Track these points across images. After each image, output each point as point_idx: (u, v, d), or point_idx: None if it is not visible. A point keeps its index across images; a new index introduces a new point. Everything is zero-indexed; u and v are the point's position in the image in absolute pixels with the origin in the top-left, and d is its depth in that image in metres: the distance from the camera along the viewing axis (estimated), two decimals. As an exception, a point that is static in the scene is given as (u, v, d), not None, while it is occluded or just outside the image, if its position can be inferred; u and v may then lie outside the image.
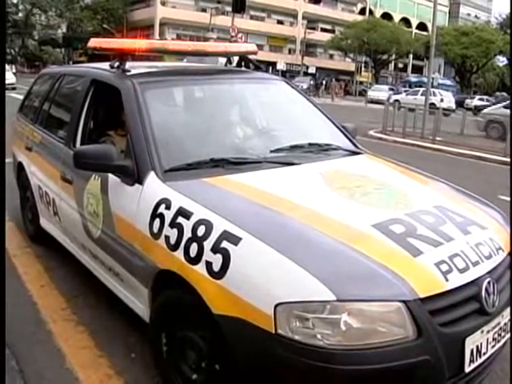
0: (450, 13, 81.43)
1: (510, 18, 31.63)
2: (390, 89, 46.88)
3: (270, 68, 46.43)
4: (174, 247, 2.48)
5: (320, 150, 3.49)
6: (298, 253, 2.19)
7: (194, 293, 2.34)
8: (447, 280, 2.22)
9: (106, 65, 3.78)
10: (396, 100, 30.38)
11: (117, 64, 3.53)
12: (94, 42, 3.57)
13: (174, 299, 2.60)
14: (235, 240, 2.27)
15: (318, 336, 2.03)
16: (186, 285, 2.39)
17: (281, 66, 52.07)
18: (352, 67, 64.76)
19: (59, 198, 3.91)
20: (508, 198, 7.12)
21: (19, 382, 2.91)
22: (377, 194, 2.96)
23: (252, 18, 60.73)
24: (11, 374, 2.98)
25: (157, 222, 2.63)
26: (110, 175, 3.08)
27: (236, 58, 4.19)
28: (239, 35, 32.82)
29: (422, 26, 72.76)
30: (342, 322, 2.02)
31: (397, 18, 72.56)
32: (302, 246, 2.26)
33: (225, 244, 2.28)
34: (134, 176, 2.91)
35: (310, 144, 3.51)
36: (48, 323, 3.53)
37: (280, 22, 66.73)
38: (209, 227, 2.38)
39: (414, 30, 71.02)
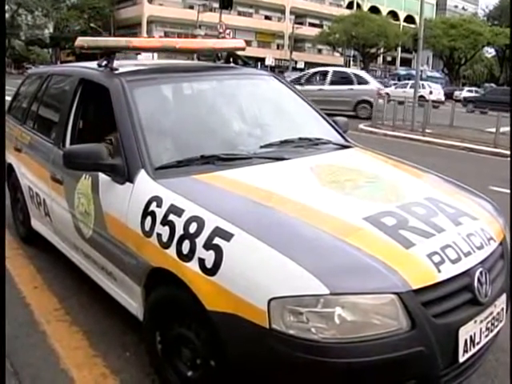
0: (437, 5, 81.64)
1: (510, 17, 31.98)
2: (379, 82, 46.90)
3: (259, 64, 46.33)
4: (167, 245, 2.47)
5: (310, 145, 3.49)
6: (291, 247, 2.19)
7: (187, 290, 2.33)
8: (440, 271, 2.22)
9: (93, 64, 3.76)
10: (385, 93, 30.40)
11: (104, 62, 3.51)
12: (80, 41, 3.56)
13: (168, 297, 2.60)
14: (227, 236, 2.27)
15: (313, 330, 2.03)
16: (179, 282, 2.39)
17: (269, 62, 51.93)
18: (341, 61, 64.78)
19: (50, 198, 3.89)
20: (499, 189, 7.18)
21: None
22: (368, 187, 2.97)
23: (240, 14, 60.70)
24: (6, 376, 2.97)
25: (148, 219, 2.62)
26: (101, 174, 3.06)
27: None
28: (227, 31, 32.81)
29: (409, 19, 72.89)
30: (335, 315, 2.03)
31: (384, 11, 72.68)
32: (295, 241, 2.26)
33: (217, 240, 2.28)
34: (124, 174, 2.89)
35: (301, 138, 3.50)
36: (42, 324, 3.51)
37: (268, 18, 66.72)
38: (200, 224, 2.38)
39: (402, 23, 71.16)
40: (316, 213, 2.48)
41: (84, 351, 3.20)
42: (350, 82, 19.14)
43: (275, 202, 2.58)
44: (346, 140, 3.81)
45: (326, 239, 2.28)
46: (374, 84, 19.54)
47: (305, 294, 2.04)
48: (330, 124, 3.91)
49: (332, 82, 19.38)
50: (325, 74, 20.32)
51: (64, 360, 3.12)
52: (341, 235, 2.29)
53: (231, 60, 4.17)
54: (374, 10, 70.54)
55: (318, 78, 20.55)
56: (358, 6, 72.52)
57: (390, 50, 66.45)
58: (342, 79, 18.66)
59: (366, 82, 19.42)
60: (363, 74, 20.75)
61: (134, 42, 3.49)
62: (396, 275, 2.12)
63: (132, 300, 2.96)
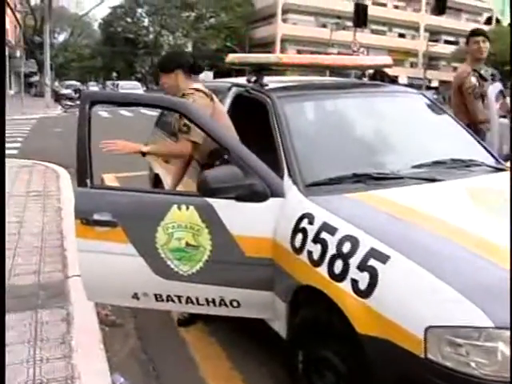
0: None
1: (510, 18, 29.53)
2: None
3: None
4: (317, 263, 2.42)
5: (463, 166, 3.30)
6: (450, 273, 2.06)
7: (337, 311, 2.27)
8: None
9: (242, 80, 3.84)
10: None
11: (254, 78, 3.57)
12: (231, 58, 3.65)
13: (315, 316, 2.54)
14: (383, 258, 2.19)
15: (472, 364, 1.89)
16: (328, 302, 2.33)
17: (403, 80, 50.95)
18: (477, 80, 62.00)
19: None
20: None
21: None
22: None
23: (373, 32, 60.08)
24: (148, 379, 3.09)
25: (299, 236, 2.58)
26: (209, 199, 2.78)
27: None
28: (361, 50, 32.55)
29: (556, 35, 68.29)
30: (498, 350, 1.88)
31: (527, 26, 68.71)
32: (453, 267, 2.13)
33: (372, 262, 2.20)
34: (264, 192, 2.78)
35: (453, 160, 3.33)
36: (181, 331, 3.63)
37: (401, 36, 65.58)
38: (355, 244, 2.31)
39: (547, 39, 66.82)
40: (475, 238, 2.33)
41: (221, 362, 3.25)
42: None
43: (431, 225, 2.45)
44: (499, 162, 3.58)
45: (487, 267, 2.12)
46: None
47: (466, 325, 1.91)
48: (482, 145, 3.70)
49: None
50: None
51: (202, 369, 3.18)
52: (503, 263, 2.11)
53: (378, 77, 4.10)
54: (516, 25, 66.90)
55: None
56: (498, 21, 69.03)
57: (533, 67, 62.63)
58: None
59: None
60: None
61: (284, 58, 3.52)
62: None
63: (275, 316, 2.92)
